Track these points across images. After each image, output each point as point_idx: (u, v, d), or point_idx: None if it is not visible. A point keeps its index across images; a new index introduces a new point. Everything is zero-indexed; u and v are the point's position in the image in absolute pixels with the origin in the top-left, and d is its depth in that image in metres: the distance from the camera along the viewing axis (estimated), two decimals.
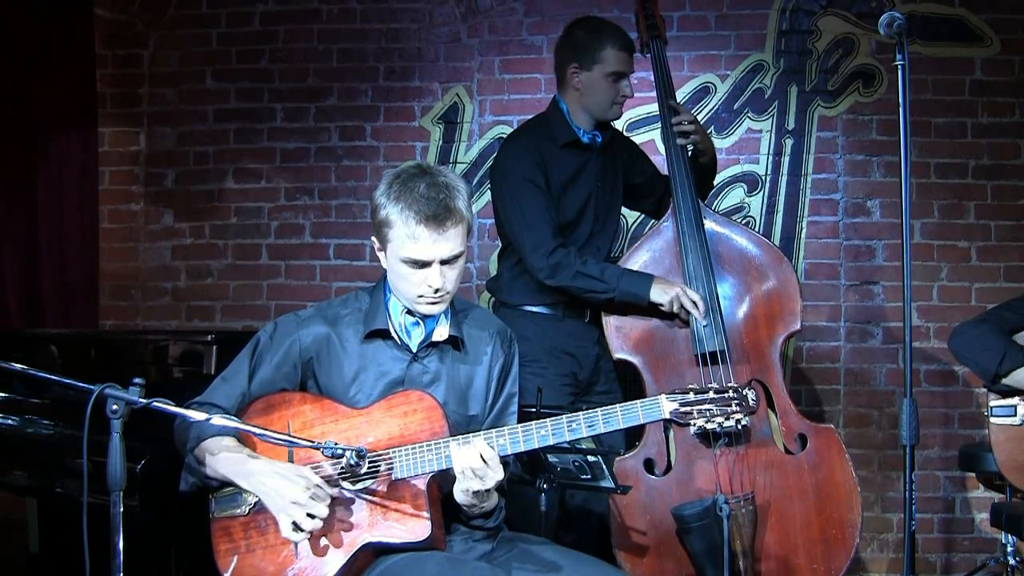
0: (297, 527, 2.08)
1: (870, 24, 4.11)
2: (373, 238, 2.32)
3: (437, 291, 2.23)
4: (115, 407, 1.91)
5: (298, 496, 2.07)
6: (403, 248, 2.20)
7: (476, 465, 2.09)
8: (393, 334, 2.32)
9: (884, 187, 4.16)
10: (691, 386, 2.17)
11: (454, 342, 2.35)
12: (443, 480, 2.18)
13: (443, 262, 2.21)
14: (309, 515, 2.08)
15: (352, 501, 2.15)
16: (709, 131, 4.15)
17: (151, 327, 4.44)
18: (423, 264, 2.20)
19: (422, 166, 2.28)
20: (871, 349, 4.17)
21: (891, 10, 2.54)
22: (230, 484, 2.18)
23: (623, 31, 3.27)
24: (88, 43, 4.44)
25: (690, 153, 3.30)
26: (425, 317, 2.32)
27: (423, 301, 2.25)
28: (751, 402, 2.16)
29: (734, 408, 2.15)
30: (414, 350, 2.32)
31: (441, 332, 2.34)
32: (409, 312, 2.32)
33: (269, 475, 2.11)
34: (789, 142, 4.22)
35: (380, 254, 2.32)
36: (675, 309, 3.05)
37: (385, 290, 2.36)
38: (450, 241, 2.20)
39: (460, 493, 2.15)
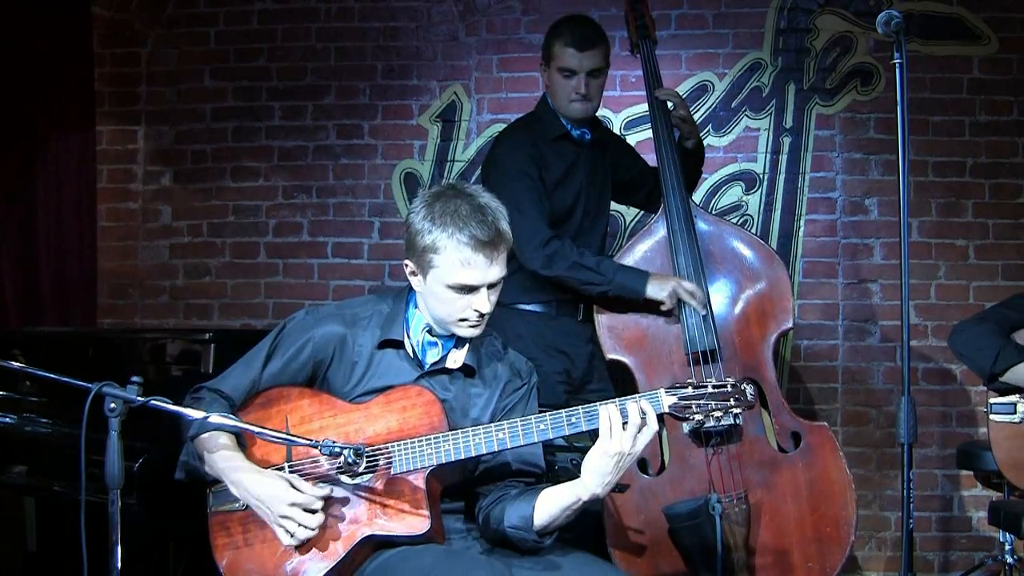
0: (292, 534, 2.09)
1: (868, 22, 4.11)
2: (407, 262, 2.24)
3: (481, 315, 2.21)
4: (113, 405, 1.91)
5: (284, 511, 2.07)
6: (452, 275, 2.16)
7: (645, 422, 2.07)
8: (407, 347, 2.29)
9: (882, 185, 4.17)
10: (689, 381, 2.17)
11: (467, 370, 2.31)
12: (442, 475, 2.18)
13: (490, 286, 2.19)
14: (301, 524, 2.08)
15: (351, 495, 2.15)
16: (707, 129, 4.17)
17: (149, 325, 4.44)
18: (472, 289, 2.17)
19: (455, 186, 2.24)
20: (869, 347, 4.17)
21: (889, 8, 2.54)
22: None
23: (583, 29, 3.22)
24: (86, 42, 4.44)
25: (676, 137, 3.30)
26: (461, 338, 2.28)
27: (465, 325, 2.22)
28: (749, 396, 2.15)
29: (732, 403, 2.14)
30: (426, 368, 2.29)
31: (456, 359, 2.29)
32: (429, 331, 2.29)
33: (256, 487, 2.10)
34: (787, 140, 4.22)
35: (414, 278, 2.25)
36: (673, 304, 3.05)
37: (409, 301, 2.31)
38: (498, 265, 2.18)
39: (599, 463, 2.08)
